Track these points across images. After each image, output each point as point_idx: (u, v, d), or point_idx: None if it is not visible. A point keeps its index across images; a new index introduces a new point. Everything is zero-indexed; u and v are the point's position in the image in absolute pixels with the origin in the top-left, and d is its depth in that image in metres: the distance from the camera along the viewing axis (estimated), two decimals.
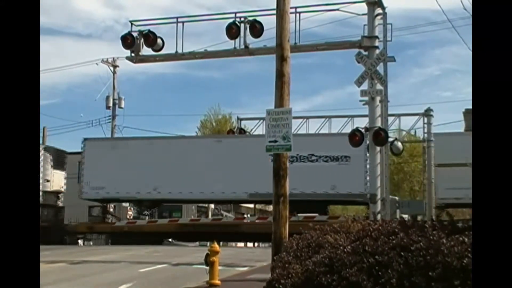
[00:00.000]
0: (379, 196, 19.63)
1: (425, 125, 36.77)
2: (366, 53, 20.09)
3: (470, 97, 5.69)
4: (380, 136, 19.39)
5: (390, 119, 27.64)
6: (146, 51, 22.89)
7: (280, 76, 12.56)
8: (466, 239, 6.30)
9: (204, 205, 46.64)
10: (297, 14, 21.06)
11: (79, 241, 39.01)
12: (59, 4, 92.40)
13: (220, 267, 14.96)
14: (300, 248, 8.52)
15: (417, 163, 45.47)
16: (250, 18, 21.21)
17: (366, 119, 21.02)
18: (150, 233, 35.61)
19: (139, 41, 22.55)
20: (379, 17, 20.36)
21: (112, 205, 41.34)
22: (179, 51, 22.70)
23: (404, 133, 35.82)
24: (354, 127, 23.71)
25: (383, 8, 20.28)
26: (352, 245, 7.39)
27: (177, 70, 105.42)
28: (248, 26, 21.10)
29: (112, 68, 45.68)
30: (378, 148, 19.76)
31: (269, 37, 19.64)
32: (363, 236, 7.70)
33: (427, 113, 37.10)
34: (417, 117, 37.08)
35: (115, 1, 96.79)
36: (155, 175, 33.91)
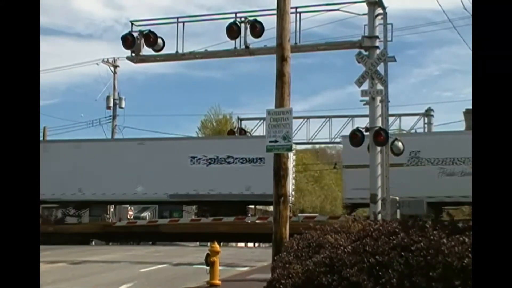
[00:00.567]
0: (379, 196, 19.62)
1: (426, 125, 36.83)
2: (366, 53, 20.08)
3: (470, 97, 5.69)
4: (380, 136, 19.38)
5: (391, 119, 27.68)
6: (146, 51, 22.88)
7: (281, 76, 12.56)
8: (466, 239, 6.30)
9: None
10: (298, 14, 21.05)
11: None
12: (59, 4, 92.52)
13: (220, 267, 14.96)
14: (301, 248, 8.52)
15: None
16: (251, 18, 21.19)
17: (367, 119, 21.01)
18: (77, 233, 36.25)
19: (140, 41, 22.54)
20: (379, 17, 20.35)
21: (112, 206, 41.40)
22: (180, 51, 22.68)
23: (404, 133, 35.94)
24: (355, 127, 23.71)
25: (384, 8, 20.26)
26: (352, 245, 7.39)
27: (177, 70, 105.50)
28: (248, 26, 21.08)
29: (112, 68, 45.71)
30: (378, 148, 19.75)
31: (269, 37, 19.64)
32: (363, 236, 7.70)
33: (428, 113, 37.16)
34: (417, 117, 37.15)
35: (115, 1, 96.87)
36: (81, 177, 34.66)
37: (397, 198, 20.63)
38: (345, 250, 7.28)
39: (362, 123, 25.22)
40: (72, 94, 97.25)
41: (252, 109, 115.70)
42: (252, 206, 45.53)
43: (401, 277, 6.28)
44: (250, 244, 43.93)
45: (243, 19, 21.30)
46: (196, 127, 56.11)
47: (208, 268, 14.40)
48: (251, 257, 23.63)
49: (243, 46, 21.54)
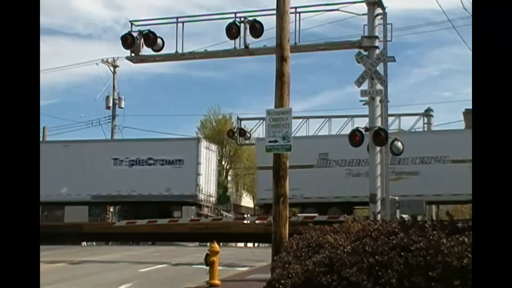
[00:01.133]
0: (379, 196, 19.62)
1: (425, 125, 36.83)
2: (366, 53, 20.08)
3: (470, 97, 5.70)
4: (380, 136, 19.38)
5: (390, 119, 27.73)
6: (146, 51, 22.86)
7: (280, 76, 12.56)
8: (466, 239, 6.30)
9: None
10: (297, 14, 21.04)
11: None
12: (59, 4, 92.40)
13: (220, 267, 14.96)
14: (300, 248, 8.52)
15: None
16: (250, 18, 21.19)
17: (366, 119, 21.01)
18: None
19: (139, 41, 22.53)
20: (379, 17, 20.35)
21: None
22: (179, 51, 22.67)
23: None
24: (354, 127, 23.71)
25: (383, 8, 20.26)
26: (352, 245, 7.39)
27: (177, 70, 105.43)
28: (248, 26, 21.07)
29: (112, 68, 45.73)
30: (378, 148, 19.75)
31: (269, 37, 19.64)
32: (363, 236, 7.70)
33: (427, 113, 37.17)
34: (417, 117, 37.15)
35: (115, 2, 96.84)
36: None
37: (397, 198, 20.63)
38: (345, 250, 7.28)
39: (361, 123, 25.27)
40: (71, 94, 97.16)
41: (251, 109, 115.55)
42: (252, 206, 45.68)
43: (400, 277, 6.28)
44: (250, 244, 43.95)
45: (242, 19, 21.30)
46: (196, 127, 56.14)
47: (207, 268, 14.40)
48: (251, 257, 23.63)
49: (242, 46, 21.53)
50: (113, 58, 45.67)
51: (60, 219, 38.92)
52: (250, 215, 42.99)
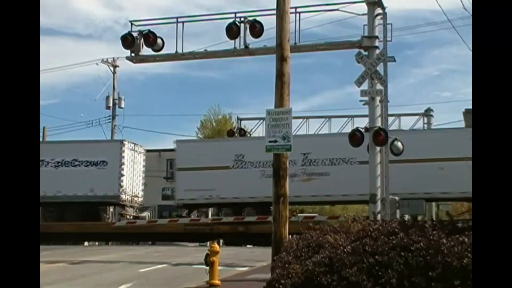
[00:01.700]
0: (379, 196, 19.62)
1: (425, 125, 36.82)
2: (366, 53, 20.08)
3: (469, 97, 5.70)
4: (380, 136, 19.38)
5: (390, 119, 27.76)
6: (146, 51, 22.87)
7: (280, 76, 12.56)
8: (466, 239, 6.30)
9: None
10: (297, 14, 21.04)
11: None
12: (59, 4, 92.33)
13: (220, 267, 14.95)
14: (300, 248, 8.52)
15: None
16: (250, 18, 21.19)
17: (366, 119, 21.01)
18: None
19: (139, 41, 22.53)
20: (379, 17, 20.35)
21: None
22: (179, 51, 22.68)
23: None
24: (354, 127, 23.71)
25: (383, 8, 20.26)
26: (352, 245, 7.39)
27: (176, 70, 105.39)
28: (248, 26, 21.08)
29: (112, 68, 45.68)
30: (378, 148, 19.75)
31: (269, 37, 19.64)
32: (363, 236, 7.70)
33: (427, 113, 37.16)
34: (417, 117, 37.15)
35: (115, 2, 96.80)
36: None
37: (397, 198, 20.62)
38: (345, 250, 7.28)
39: (361, 123, 25.28)
40: (71, 94, 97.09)
41: (251, 109, 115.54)
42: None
43: (400, 277, 6.28)
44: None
45: (242, 19, 21.30)
46: (196, 127, 56.10)
47: (207, 268, 14.39)
48: (251, 257, 23.63)
49: (242, 46, 21.54)
50: (113, 58, 45.62)
51: None
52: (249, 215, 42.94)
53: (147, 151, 39.97)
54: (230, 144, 34.73)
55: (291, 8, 13.48)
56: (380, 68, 19.57)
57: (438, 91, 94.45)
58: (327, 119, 37.36)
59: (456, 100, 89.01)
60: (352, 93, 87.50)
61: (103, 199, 36.08)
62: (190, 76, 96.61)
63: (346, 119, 36.39)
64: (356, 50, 20.33)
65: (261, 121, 35.42)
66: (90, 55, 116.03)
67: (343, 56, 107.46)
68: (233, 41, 21.49)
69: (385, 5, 20.30)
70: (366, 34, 20.35)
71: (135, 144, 37.90)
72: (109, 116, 45.24)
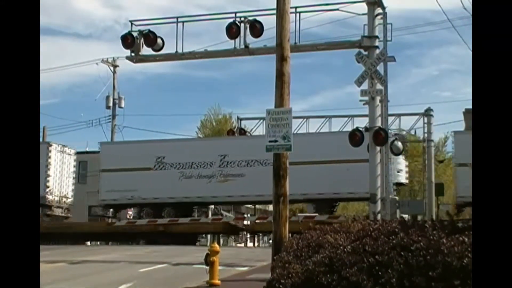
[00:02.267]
0: (379, 196, 19.62)
1: (425, 125, 36.82)
2: (366, 53, 20.07)
3: (469, 97, 5.71)
4: (380, 136, 19.38)
5: (390, 119, 27.81)
6: (146, 50, 22.86)
7: (280, 76, 12.56)
8: (466, 239, 6.31)
9: None
10: (297, 14, 21.04)
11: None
12: (59, 4, 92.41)
13: (220, 267, 14.94)
14: (300, 248, 8.52)
15: (417, 163, 45.53)
16: (250, 18, 21.19)
17: (366, 119, 21.00)
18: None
19: (139, 41, 22.53)
20: (379, 17, 20.35)
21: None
22: (179, 51, 22.67)
23: (404, 133, 36.64)
24: (354, 126, 23.71)
25: (383, 8, 20.26)
26: (352, 245, 7.39)
27: (176, 70, 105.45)
28: (248, 26, 21.08)
29: (112, 68, 45.67)
30: (378, 148, 19.75)
31: (269, 37, 19.63)
32: (363, 236, 7.70)
33: (427, 113, 37.15)
34: (417, 117, 37.14)
35: (115, 1, 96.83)
36: None
37: (397, 198, 20.62)
38: (345, 250, 7.28)
39: (361, 123, 25.27)
40: (71, 94, 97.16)
41: (251, 109, 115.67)
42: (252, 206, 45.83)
43: (400, 277, 6.28)
44: (250, 244, 43.97)
45: (242, 19, 21.30)
46: (196, 127, 56.12)
47: (207, 268, 14.38)
48: (251, 256, 23.61)
49: (242, 46, 21.53)
50: (113, 58, 45.60)
51: None
52: (250, 215, 42.99)
53: (78, 153, 40.40)
54: (152, 146, 35.55)
55: (291, 8, 13.47)
56: (380, 68, 19.57)
57: (438, 91, 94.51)
58: (327, 118, 37.37)
59: (456, 100, 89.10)
60: (352, 92, 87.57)
61: None
62: (190, 76, 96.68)
63: (346, 118, 36.42)
64: (356, 50, 20.33)
65: (261, 120, 35.44)
66: (90, 55, 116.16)
67: (343, 56, 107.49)
68: (233, 41, 21.49)
69: (385, 5, 20.31)
70: (366, 34, 20.35)
71: (64, 146, 38.49)
72: (109, 116, 45.24)
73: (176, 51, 22.71)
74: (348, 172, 29.78)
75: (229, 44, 21.77)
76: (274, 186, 12.47)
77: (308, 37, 24.28)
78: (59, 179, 37.27)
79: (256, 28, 20.89)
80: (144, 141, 37.08)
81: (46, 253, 20.42)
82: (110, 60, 45.49)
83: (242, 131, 38.49)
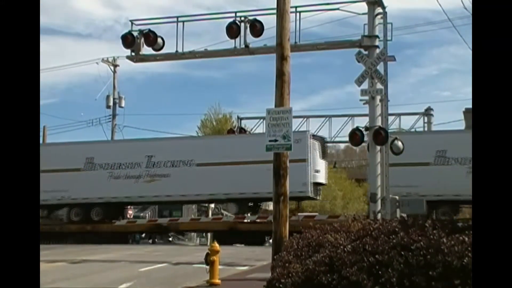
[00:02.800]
0: (379, 195, 19.61)
1: (425, 124, 36.87)
2: (366, 52, 20.06)
3: (469, 97, 5.72)
4: (380, 136, 19.37)
5: (390, 118, 27.85)
6: (146, 50, 22.85)
7: (280, 75, 12.55)
8: (466, 238, 6.31)
9: (204, 204, 46.72)
10: (297, 14, 21.03)
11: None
12: (59, 4, 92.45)
13: (220, 266, 14.95)
14: (300, 248, 8.52)
15: None
16: (250, 18, 21.17)
17: (366, 119, 20.99)
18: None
19: (139, 41, 22.52)
20: (379, 16, 20.33)
21: None
22: (179, 50, 22.66)
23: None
24: (354, 126, 23.70)
25: (383, 7, 20.24)
26: (352, 244, 7.39)
27: (176, 70, 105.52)
28: (248, 25, 21.06)
29: (112, 68, 45.67)
30: (378, 148, 19.74)
31: (269, 36, 19.62)
32: (363, 235, 7.70)
33: (427, 113, 37.21)
34: (417, 116, 37.19)
35: (115, 1, 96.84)
36: None
37: (397, 197, 20.61)
38: (345, 249, 7.28)
39: (361, 122, 25.28)
40: (71, 93, 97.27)
41: (252, 108, 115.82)
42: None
43: (400, 276, 6.29)
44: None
45: (243, 18, 21.28)
46: (196, 126, 56.11)
47: (207, 267, 14.39)
48: (251, 256, 23.61)
49: (243, 46, 21.52)
50: (113, 57, 45.60)
51: None
52: (250, 215, 42.96)
53: None
54: (82, 147, 36.14)
55: (291, 7, 13.46)
56: (380, 67, 19.55)
57: (438, 90, 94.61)
58: (327, 118, 37.41)
59: (456, 99, 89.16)
60: (352, 92, 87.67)
61: None
62: (190, 75, 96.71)
63: (346, 118, 36.45)
64: (356, 50, 20.31)
65: (261, 120, 35.49)
66: (90, 54, 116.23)
67: (343, 56, 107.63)
68: (233, 40, 21.47)
69: (385, 4, 20.30)
70: (366, 34, 20.34)
71: None
72: (110, 115, 45.24)
73: (176, 51, 22.70)
74: (268, 172, 30.22)
75: (229, 43, 21.78)
76: (274, 185, 12.47)
77: (308, 36, 24.28)
78: None
79: (256, 28, 20.88)
80: (75, 143, 37.81)
81: (46, 252, 20.44)
82: (110, 59, 45.48)
83: (242, 131, 38.53)
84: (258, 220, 35.35)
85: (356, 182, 53.08)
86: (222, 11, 51.48)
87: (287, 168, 12.54)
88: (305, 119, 37.38)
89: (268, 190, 31.90)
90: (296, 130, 31.94)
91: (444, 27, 71.13)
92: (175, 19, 23.01)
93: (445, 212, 29.53)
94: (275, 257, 9.84)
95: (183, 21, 22.89)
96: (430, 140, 31.22)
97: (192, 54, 23.32)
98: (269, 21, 18.71)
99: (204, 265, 14.70)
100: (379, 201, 19.57)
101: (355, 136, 20.05)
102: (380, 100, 19.97)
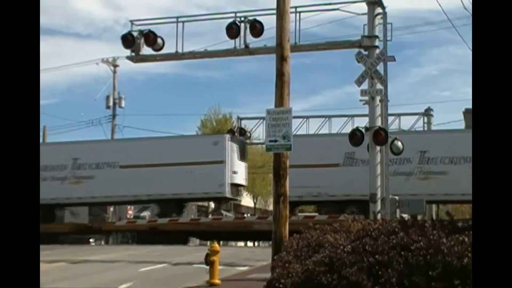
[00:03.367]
0: (379, 195, 19.62)
1: (425, 125, 36.86)
2: (366, 52, 20.08)
3: (468, 97, 5.72)
4: (380, 136, 19.39)
5: (390, 118, 27.84)
6: (146, 50, 22.88)
7: (280, 76, 12.56)
8: (466, 239, 6.31)
9: (204, 204, 46.72)
10: (297, 14, 21.06)
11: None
12: (59, 4, 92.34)
13: (220, 267, 14.96)
14: (300, 248, 8.52)
15: None
16: (250, 18, 21.19)
17: (366, 119, 21.01)
18: None
19: (140, 41, 22.54)
20: (379, 16, 20.35)
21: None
22: (179, 50, 22.69)
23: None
24: (354, 126, 23.71)
25: (383, 7, 20.26)
26: (352, 245, 7.39)
27: (176, 70, 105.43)
28: (248, 25, 21.08)
29: (112, 68, 45.67)
30: (378, 148, 19.75)
31: (269, 36, 19.63)
32: (363, 235, 7.69)
33: (427, 113, 37.20)
34: (417, 116, 37.18)
35: (115, 2, 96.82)
36: None
37: (397, 197, 20.62)
38: (345, 249, 7.27)
39: (361, 122, 25.28)
40: (71, 94, 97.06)
41: (252, 108, 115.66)
42: (252, 205, 45.74)
43: (400, 277, 6.29)
44: (250, 243, 43.97)
45: (242, 18, 21.31)
46: (196, 127, 56.10)
47: (207, 267, 14.39)
48: (251, 256, 23.62)
49: (242, 46, 21.54)
50: (113, 57, 45.60)
51: None
52: (250, 215, 43.03)
53: None
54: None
55: (291, 7, 13.47)
56: (380, 67, 19.57)
57: (438, 90, 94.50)
58: (327, 118, 37.39)
59: (456, 100, 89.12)
60: (352, 92, 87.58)
61: None
62: (190, 75, 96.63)
63: (346, 118, 36.43)
64: (356, 50, 20.33)
65: (261, 120, 35.48)
66: (90, 55, 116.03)
67: (343, 56, 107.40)
68: (233, 40, 21.49)
69: (385, 4, 20.31)
70: (366, 34, 20.36)
71: None
72: (110, 115, 45.25)
73: (176, 51, 22.72)
74: (190, 174, 32.26)
75: (229, 44, 21.80)
76: (274, 186, 12.47)
77: (308, 37, 24.32)
78: None
79: (256, 28, 20.89)
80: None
81: (47, 252, 20.43)
82: (110, 60, 45.49)
83: (242, 131, 38.53)
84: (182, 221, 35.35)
85: None
86: (222, 11, 51.53)
87: (287, 168, 12.53)
88: (305, 119, 37.35)
89: (188, 191, 33.39)
90: (296, 130, 32.01)
91: (443, 27, 71.08)
92: (175, 20, 23.04)
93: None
94: (275, 257, 9.84)
95: (183, 21, 22.92)
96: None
97: (192, 54, 23.35)
98: (269, 21, 18.74)
99: (204, 265, 14.70)
100: (379, 201, 19.58)
101: (355, 136, 20.06)
102: (380, 100, 19.99)
